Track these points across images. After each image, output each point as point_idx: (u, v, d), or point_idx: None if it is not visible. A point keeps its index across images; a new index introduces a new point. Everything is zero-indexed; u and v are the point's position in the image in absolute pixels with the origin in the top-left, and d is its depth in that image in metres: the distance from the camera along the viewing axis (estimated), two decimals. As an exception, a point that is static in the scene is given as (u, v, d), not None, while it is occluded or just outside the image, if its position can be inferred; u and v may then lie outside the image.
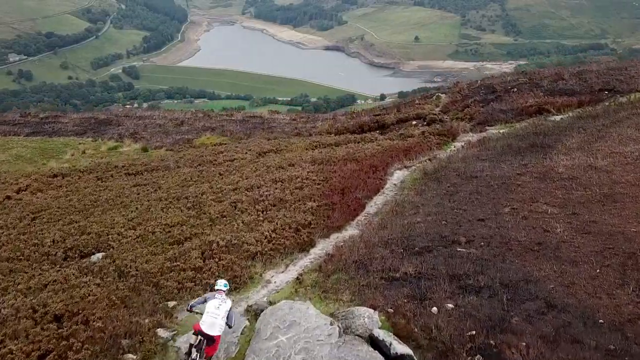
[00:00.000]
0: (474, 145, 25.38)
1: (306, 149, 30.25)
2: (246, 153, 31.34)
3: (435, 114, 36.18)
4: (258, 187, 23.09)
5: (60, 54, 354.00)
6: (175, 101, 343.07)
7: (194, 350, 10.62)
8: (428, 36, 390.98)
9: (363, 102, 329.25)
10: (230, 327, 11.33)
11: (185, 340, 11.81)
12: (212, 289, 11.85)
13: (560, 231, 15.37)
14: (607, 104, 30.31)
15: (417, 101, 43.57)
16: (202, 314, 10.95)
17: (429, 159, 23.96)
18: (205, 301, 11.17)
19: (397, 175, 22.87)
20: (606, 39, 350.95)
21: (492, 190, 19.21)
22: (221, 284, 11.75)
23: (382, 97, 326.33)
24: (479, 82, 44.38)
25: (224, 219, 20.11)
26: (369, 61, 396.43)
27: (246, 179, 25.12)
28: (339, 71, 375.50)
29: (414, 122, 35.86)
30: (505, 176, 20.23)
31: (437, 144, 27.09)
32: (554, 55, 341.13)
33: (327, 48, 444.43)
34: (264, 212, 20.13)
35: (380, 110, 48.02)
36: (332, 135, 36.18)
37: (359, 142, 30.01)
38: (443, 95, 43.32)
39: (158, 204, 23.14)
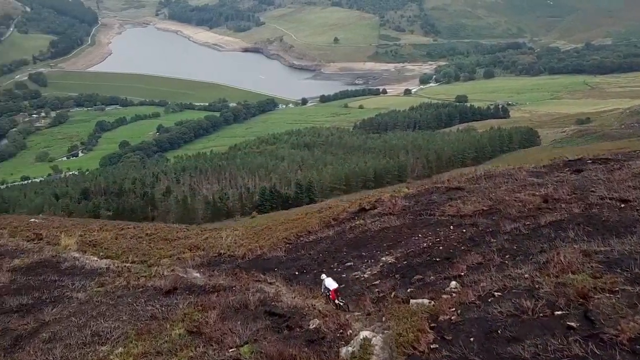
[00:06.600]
0: None
1: None
2: None
3: None
4: None
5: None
6: (86, 109, 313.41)
7: (337, 301, 15.99)
8: (347, 37, 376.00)
9: (284, 106, 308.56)
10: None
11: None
12: (321, 278, 17.37)
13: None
14: None
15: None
16: (329, 288, 16.40)
17: None
18: (325, 284, 16.71)
19: None
20: (523, 38, 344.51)
21: None
22: (323, 276, 17.24)
23: (304, 101, 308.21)
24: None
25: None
26: (289, 63, 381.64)
27: None
28: (259, 74, 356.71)
29: None
30: None
31: None
32: (472, 55, 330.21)
33: (246, 50, 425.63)
34: None
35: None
36: None
37: None
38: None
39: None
